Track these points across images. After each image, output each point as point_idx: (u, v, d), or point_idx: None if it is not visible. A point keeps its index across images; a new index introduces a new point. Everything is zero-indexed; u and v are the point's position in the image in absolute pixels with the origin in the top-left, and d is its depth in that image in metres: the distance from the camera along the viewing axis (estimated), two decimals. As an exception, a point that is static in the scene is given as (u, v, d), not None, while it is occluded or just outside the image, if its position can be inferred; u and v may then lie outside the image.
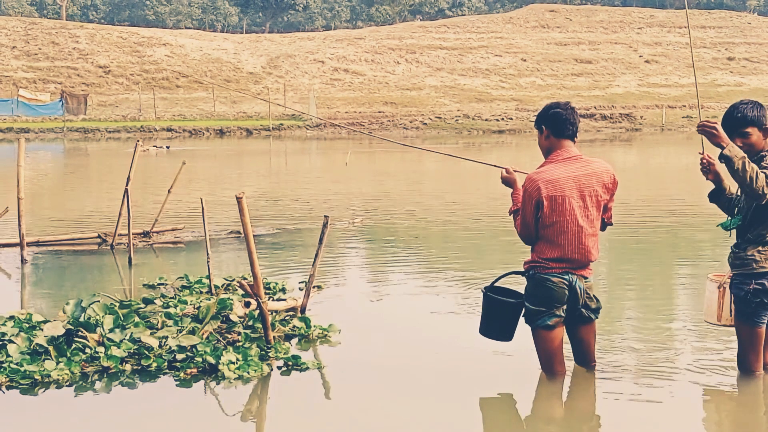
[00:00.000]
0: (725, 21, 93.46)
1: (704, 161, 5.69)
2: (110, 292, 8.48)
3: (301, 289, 8.62)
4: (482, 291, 5.91)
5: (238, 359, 6.17)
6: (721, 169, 5.51)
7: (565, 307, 5.53)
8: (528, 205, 5.48)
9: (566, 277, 5.49)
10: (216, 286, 8.55)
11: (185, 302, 7.77)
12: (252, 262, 6.48)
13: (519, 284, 5.91)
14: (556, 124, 5.57)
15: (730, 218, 5.64)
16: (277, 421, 5.49)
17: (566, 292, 5.49)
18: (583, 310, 5.62)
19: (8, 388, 5.84)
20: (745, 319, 5.53)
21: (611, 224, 5.76)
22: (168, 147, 38.40)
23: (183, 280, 9.01)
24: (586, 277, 5.58)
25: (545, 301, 5.51)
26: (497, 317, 5.82)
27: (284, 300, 7.93)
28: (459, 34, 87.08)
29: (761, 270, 5.40)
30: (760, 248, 5.42)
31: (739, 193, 5.62)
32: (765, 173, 5.19)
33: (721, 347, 6.39)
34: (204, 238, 8.82)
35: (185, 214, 14.78)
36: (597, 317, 5.74)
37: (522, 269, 5.70)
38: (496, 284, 5.95)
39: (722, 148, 5.21)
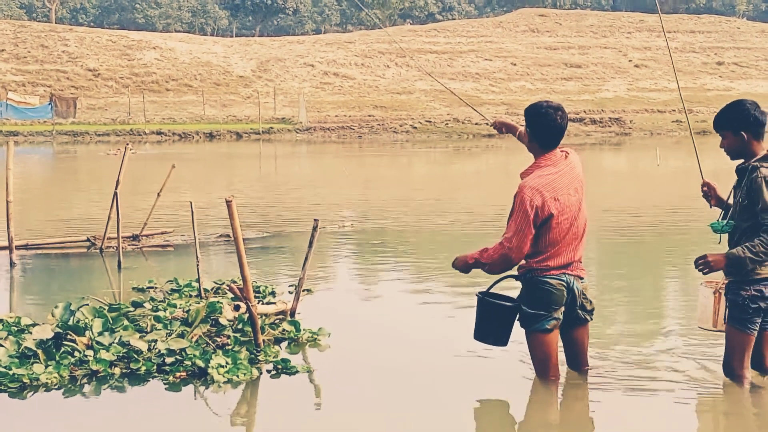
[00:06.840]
0: (714, 26, 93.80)
1: (704, 189, 5.71)
2: (99, 295, 8.45)
3: (290, 292, 8.58)
4: (477, 295, 5.83)
5: (227, 363, 6.14)
6: (722, 191, 5.53)
7: (563, 309, 5.49)
8: (529, 214, 5.31)
9: (564, 278, 5.46)
10: (206, 290, 8.51)
11: (174, 306, 7.73)
12: (241, 265, 6.45)
13: (511, 289, 5.89)
14: (545, 137, 5.49)
15: (721, 220, 5.56)
16: (266, 425, 5.46)
17: (565, 293, 5.46)
18: (580, 312, 5.59)
19: (-4, 391, 5.80)
20: (740, 326, 5.45)
21: None
22: (133, 151, 38.11)
23: (172, 284, 8.97)
24: (581, 278, 5.56)
25: (544, 304, 5.46)
26: (493, 322, 5.74)
27: (274, 303, 7.91)
28: (449, 38, 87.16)
29: (758, 276, 5.35)
30: None
31: (732, 202, 5.58)
32: (761, 238, 5.21)
33: (713, 351, 6.38)
34: (193, 241, 8.78)
35: (175, 218, 14.72)
36: (591, 318, 5.72)
37: (516, 274, 5.64)
38: (491, 289, 5.90)
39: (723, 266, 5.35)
